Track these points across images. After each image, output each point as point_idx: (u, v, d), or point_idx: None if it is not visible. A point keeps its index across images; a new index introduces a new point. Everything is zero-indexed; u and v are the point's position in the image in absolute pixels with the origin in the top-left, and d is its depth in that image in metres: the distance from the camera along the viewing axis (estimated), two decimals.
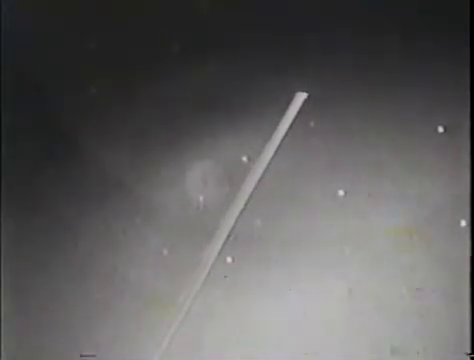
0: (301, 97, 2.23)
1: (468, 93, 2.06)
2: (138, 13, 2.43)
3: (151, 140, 2.33)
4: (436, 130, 2.13)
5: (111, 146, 2.35)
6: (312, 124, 2.21)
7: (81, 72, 2.44)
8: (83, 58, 2.45)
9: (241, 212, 2.18)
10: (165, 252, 2.21)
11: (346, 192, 2.15)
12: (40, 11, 2.49)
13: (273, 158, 2.19)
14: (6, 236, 2.32)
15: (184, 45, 2.37)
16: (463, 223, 2.04)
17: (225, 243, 2.16)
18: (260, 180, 2.20)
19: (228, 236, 2.17)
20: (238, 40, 2.32)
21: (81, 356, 2.20)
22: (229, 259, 2.16)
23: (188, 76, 2.33)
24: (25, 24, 2.48)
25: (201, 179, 2.26)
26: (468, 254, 2.00)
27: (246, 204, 2.19)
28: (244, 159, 2.24)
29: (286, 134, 2.19)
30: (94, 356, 2.19)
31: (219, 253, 2.15)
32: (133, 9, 2.43)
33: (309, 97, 2.23)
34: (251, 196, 2.19)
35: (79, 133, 2.39)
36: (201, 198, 2.23)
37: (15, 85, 2.43)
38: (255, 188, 2.19)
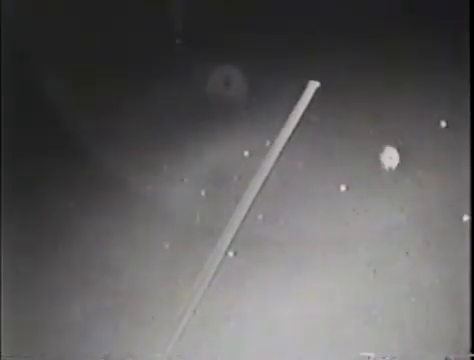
0: (313, 86, 2.23)
1: (468, 88, 2.08)
2: (138, 13, 2.43)
3: (152, 137, 2.33)
4: (439, 125, 2.14)
5: (112, 144, 2.35)
6: (314, 119, 2.22)
7: (81, 72, 2.44)
8: (83, 58, 2.45)
9: (249, 210, 2.19)
10: (167, 246, 2.21)
11: (348, 187, 2.15)
12: (40, 12, 2.49)
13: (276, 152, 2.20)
14: (6, 236, 2.31)
15: (184, 43, 2.37)
16: (465, 218, 2.05)
17: (231, 240, 2.17)
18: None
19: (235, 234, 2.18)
20: (239, 38, 2.33)
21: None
22: (231, 253, 2.16)
23: (189, 73, 2.34)
24: (25, 25, 2.48)
25: (224, 81, 2.26)
26: (469, 250, 2.00)
27: (253, 202, 2.19)
28: (246, 154, 2.25)
29: (298, 123, 2.19)
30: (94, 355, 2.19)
31: (221, 248, 2.16)
32: (133, 9, 2.44)
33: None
34: (253, 191, 2.19)
35: (79, 133, 2.38)
36: (203, 192, 2.23)
37: (15, 85, 2.43)
38: (263, 184, 2.20)
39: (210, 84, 2.30)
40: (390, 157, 2.15)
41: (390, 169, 2.14)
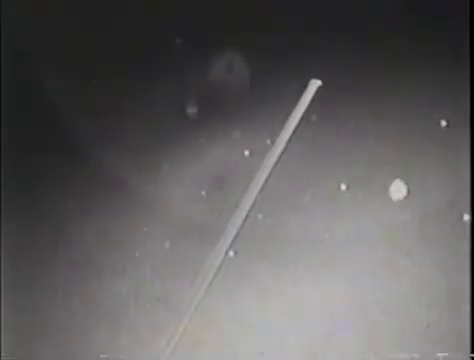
0: (315, 85, 2.23)
1: (468, 88, 2.08)
2: (138, 13, 2.43)
3: (152, 137, 2.33)
4: (439, 124, 2.14)
5: (112, 144, 2.35)
6: (314, 118, 2.22)
7: (81, 72, 2.44)
8: (83, 58, 2.45)
9: (249, 210, 2.19)
10: (167, 245, 2.21)
11: (348, 186, 2.15)
12: (40, 12, 2.49)
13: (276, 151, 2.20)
14: (6, 236, 2.30)
15: (184, 42, 2.37)
16: (466, 217, 2.05)
17: (231, 239, 2.17)
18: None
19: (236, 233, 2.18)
20: (239, 38, 2.33)
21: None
22: (231, 253, 2.16)
23: (189, 72, 2.34)
24: (25, 25, 2.48)
25: (227, 66, 2.26)
26: (469, 250, 2.00)
27: (253, 202, 2.19)
28: (246, 153, 2.25)
29: (299, 122, 2.19)
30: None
31: (221, 248, 2.16)
32: (133, 9, 2.44)
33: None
34: (253, 191, 2.19)
35: (79, 133, 2.38)
36: (203, 192, 2.23)
37: (15, 85, 2.43)
38: (264, 184, 2.20)
39: (210, 83, 2.30)
40: (397, 189, 2.16)
41: (398, 201, 2.14)
